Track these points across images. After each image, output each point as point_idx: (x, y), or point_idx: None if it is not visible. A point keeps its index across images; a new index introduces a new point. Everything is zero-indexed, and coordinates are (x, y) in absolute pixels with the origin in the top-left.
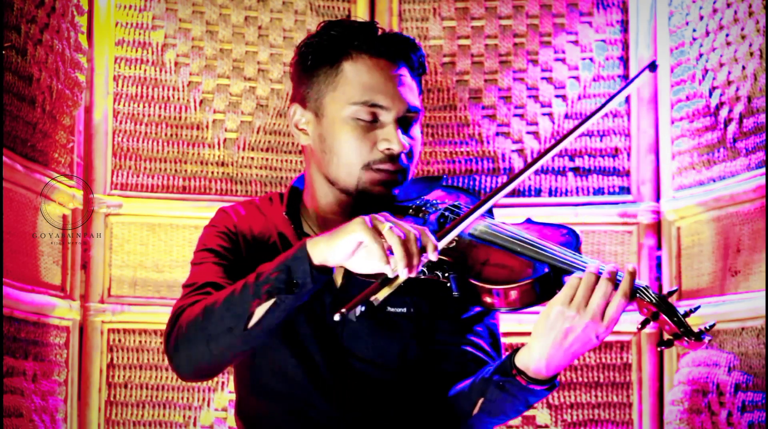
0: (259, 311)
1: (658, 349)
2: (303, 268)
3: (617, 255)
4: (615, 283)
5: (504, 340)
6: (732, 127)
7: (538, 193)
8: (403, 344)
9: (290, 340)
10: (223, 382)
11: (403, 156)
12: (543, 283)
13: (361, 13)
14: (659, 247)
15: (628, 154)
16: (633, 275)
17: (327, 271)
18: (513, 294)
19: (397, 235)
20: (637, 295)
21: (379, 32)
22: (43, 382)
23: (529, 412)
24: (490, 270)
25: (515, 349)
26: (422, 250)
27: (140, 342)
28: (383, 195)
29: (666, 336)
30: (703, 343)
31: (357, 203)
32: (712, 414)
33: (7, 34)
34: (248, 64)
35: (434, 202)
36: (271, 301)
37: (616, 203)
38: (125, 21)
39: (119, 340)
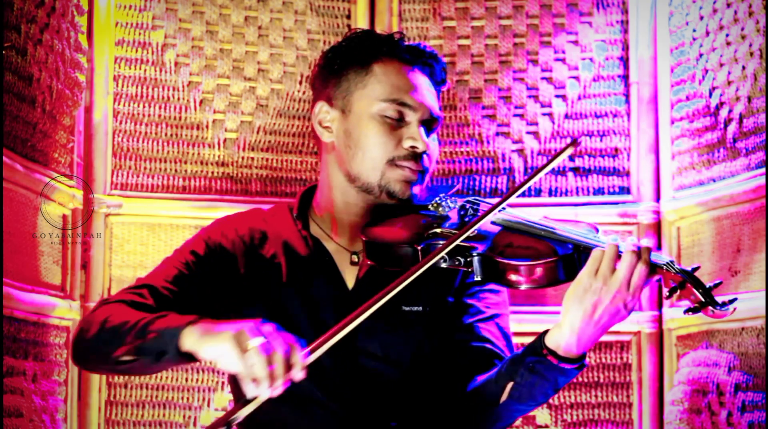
0: (126, 357)
1: (685, 314)
2: (172, 347)
3: None
4: (638, 254)
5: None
6: (732, 127)
7: (538, 193)
8: (417, 342)
9: None
10: (222, 382)
11: (424, 157)
12: (567, 262)
13: (361, 13)
14: (659, 247)
15: (628, 154)
16: (649, 248)
17: (195, 359)
18: (538, 271)
19: (262, 356)
20: (664, 268)
21: (405, 43)
22: (43, 382)
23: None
24: (515, 250)
25: (545, 331)
26: (289, 369)
27: None
28: (404, 193)
29: (693, 304)
30: (726, 313)
31: (376, 201)
32: (712, 414)
33: (7, 34)
34: (248, 64)
35: (453, 198)
36: (134, 357)
37: (616, 203)
38: (125, 21)
39: None
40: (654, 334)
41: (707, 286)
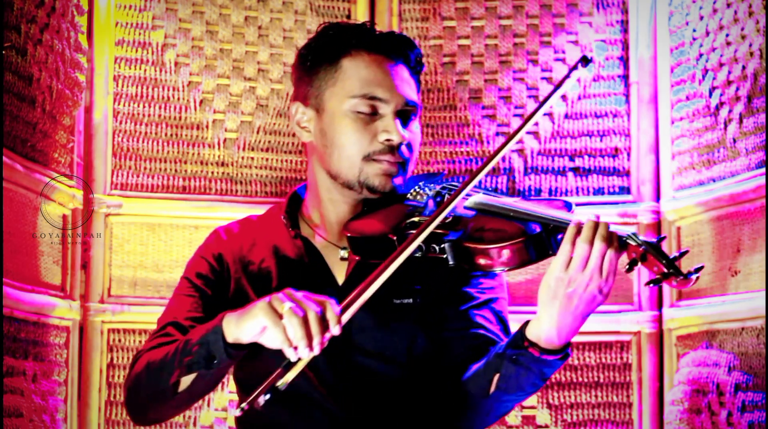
0: (185, 381)
1: (646, 286)
2: (218, 346)
3: None
4: (608, 241)
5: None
6: (732, 127)
7: (538, 193)
8: (410, 335)
9: None
10: (223, 382)
11: (403, 148)
12: (536, 242)
13: (361, 13)
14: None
15: (628, 154)
16: (618, 234)
17: (243, 347)
18: (506, 253)
19: (296, 316)
20: (630, 243)
21: (377, 32)
22: (43, 382)
23: (529, 412)
24: (484, 234)
25: (525, 322)
26: (325, 327)
27: (140, 342)
28: (384, 186)
29: (655, 276)
30: (690, 281)
31: (359, 196)
32: (712, 414)
33: (7, 34)
34: (248, 64)
35: (431, 185)
36: (188, 374)
37: (616, 203)
38: (125, 21)
39: (119, 340)
40: (654, 334)
41: (671, 257)
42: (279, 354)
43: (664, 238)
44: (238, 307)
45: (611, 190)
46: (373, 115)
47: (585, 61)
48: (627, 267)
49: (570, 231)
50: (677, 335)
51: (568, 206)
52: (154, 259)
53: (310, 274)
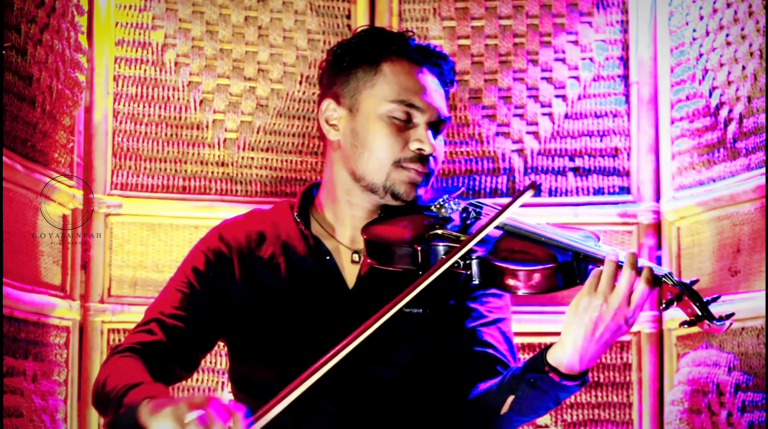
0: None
1: (681, 327)
2: (136, 423)
3: None
4: (637, 270)
5: (533, 339)
6: (732, 127)
7: (539, 193)
8: (417, 345)
9: (294, 343)
10: (222, 382)
11: (431, 159)
12: (566, 269)
13: (361, 13)
14: (659, 247)
15: (628, 154)
16: (651, 266)
17: None
18: (536, 276)
19: (199, 427)
20: (663, 280)
21: (415, 42)
22: (43, 382)
23: None
24: (514, 255)
25: (546, 346)
26: None
27: None
28: (409, 195)
29: (689, 318)
30: (723, 327)
31: (380, 201)
32: (712, 414)
33: (7, 34)
34: (248, 64)
35: (456, 200)
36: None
37: (616, 203)
38: (125, 21)
39: (119, 340)
40: (654, 334)
41: (705, 300)
42: (274, 357)
43: (697, 280)
44: (243, 305)
45: (611, 190)
46: (407, 122)
47: (534, 187)
48: (663, 306)
49: (599, 269)
50: (677, 335)
51: (596, 237)
52: (154, 259)
53: (319, 274)
